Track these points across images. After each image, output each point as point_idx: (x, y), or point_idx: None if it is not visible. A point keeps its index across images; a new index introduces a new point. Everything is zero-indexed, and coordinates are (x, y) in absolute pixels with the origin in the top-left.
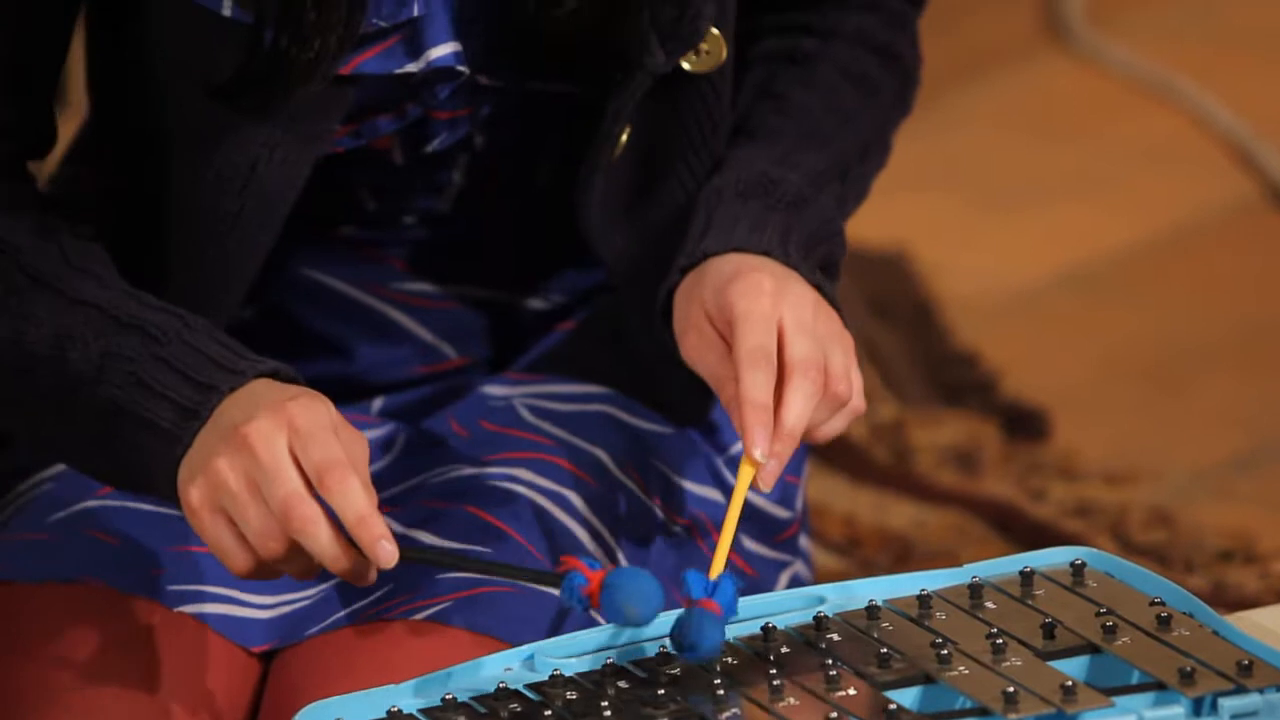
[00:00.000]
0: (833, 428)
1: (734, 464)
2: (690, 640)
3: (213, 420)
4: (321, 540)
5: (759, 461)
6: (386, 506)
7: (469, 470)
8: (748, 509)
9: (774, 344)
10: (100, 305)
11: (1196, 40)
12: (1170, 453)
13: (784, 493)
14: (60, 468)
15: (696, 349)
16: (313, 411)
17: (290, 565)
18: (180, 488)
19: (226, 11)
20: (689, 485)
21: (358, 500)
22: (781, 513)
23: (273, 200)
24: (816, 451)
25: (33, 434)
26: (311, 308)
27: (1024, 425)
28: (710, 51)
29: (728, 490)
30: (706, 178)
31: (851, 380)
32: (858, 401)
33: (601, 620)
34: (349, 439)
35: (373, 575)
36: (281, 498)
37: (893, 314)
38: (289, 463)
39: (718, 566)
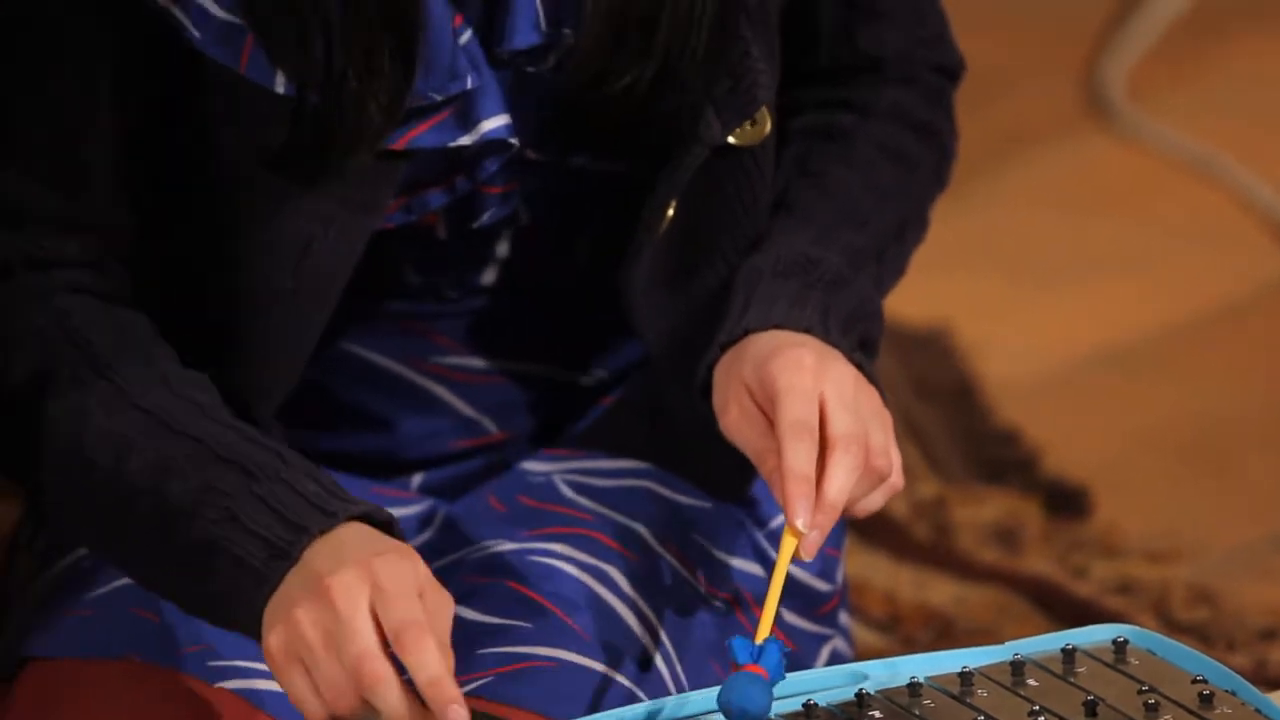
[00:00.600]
0: (872, 503)
1: (774, 538)
2: (738, 705)
3: (301, 563)
4: (391, 700)
5: (801, 532)
6: None
7: (509, 545)
8: (788, 582)
9: (816, 418)
10: (201, 438)
11: (1237, 118)
12: (1211, 530)
13: (824, 565)
14: None
15: (737, 423)
16: (398, 570)
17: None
18: (263, 631)
19: (280, 89)
20: (730, 559)
21: (432, 662)
22: (822, 585)
23: (327, 276)
24: (857, 528)
25: (124, 559)
26: (353, 381)
27: (1065, 503)
28: (756, 123)
29: (768, 564)
30: (747, 253)
31: (891, 456)
32: (897, 478)
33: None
34: (433, 599)
35: None
36: (354, 654)
37: (934, 392)
38: (367, 619)
39: (763, 631)
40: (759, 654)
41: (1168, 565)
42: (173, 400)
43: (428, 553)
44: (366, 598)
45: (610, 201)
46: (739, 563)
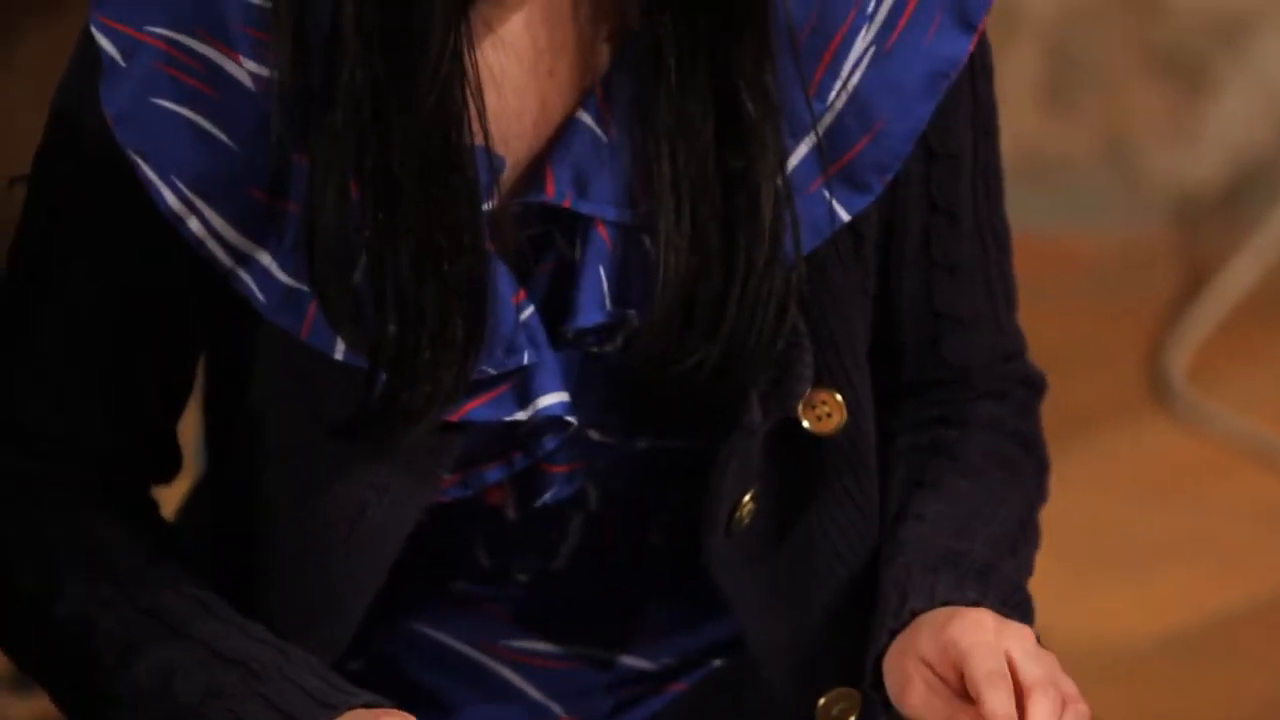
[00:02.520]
0: None
1: None
2: None
3: None
4: None
5: None
6: None
7: None
8: None
9: (1007, 670)
10: (205, 639)
11: None
12: None
13: None
14: None
15: (923, 697)
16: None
17: None
18: None
19: (338, 355)
20: None
21: None
22: None
23: (380, 545)
24: None
25: None
26: (419, 662)
27: None
28: (830, 413)
29: None
30: (852, 544)
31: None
32: None
33: None
34: None
35: None
36: None
37: None
38: None
39: None
40: None
41: None
42: (177, 600)
43: None
44: None
45: (683, 484)
46: None
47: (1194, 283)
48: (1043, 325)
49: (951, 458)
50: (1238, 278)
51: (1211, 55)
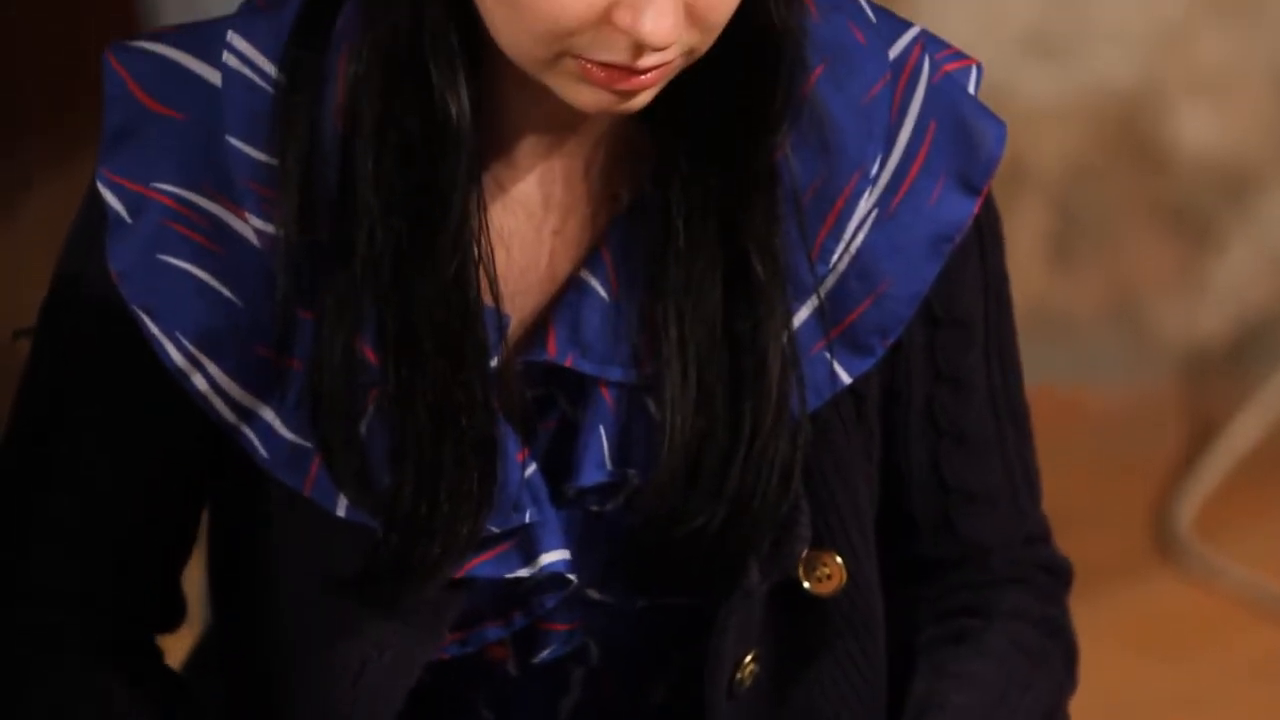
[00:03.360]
0: None
1: None
2: None
3: None
4: None
5: None
6: None
7: None
8: None
9: None
10: None
11: None
12: None
13: None
14: None
15: None
16: None
17: None
18: None
19: (341, 512)
20: None
21: None
22: None
23: (382, 700)
24: None
25: None
26: None
27: None
28: (830, 575)
29: None
30: (855, 707)
31: None
32: None
33: None
34: None
35: None
36: None
37: None
38: None
39: None
40: None
41: None
42: None
43: None
44: None
45: (684, 643)
46: None
47: (1201, 437)
48: (1049, 479)
49: (977, 648)
50: (1244, 432)
51: (1217, 211)
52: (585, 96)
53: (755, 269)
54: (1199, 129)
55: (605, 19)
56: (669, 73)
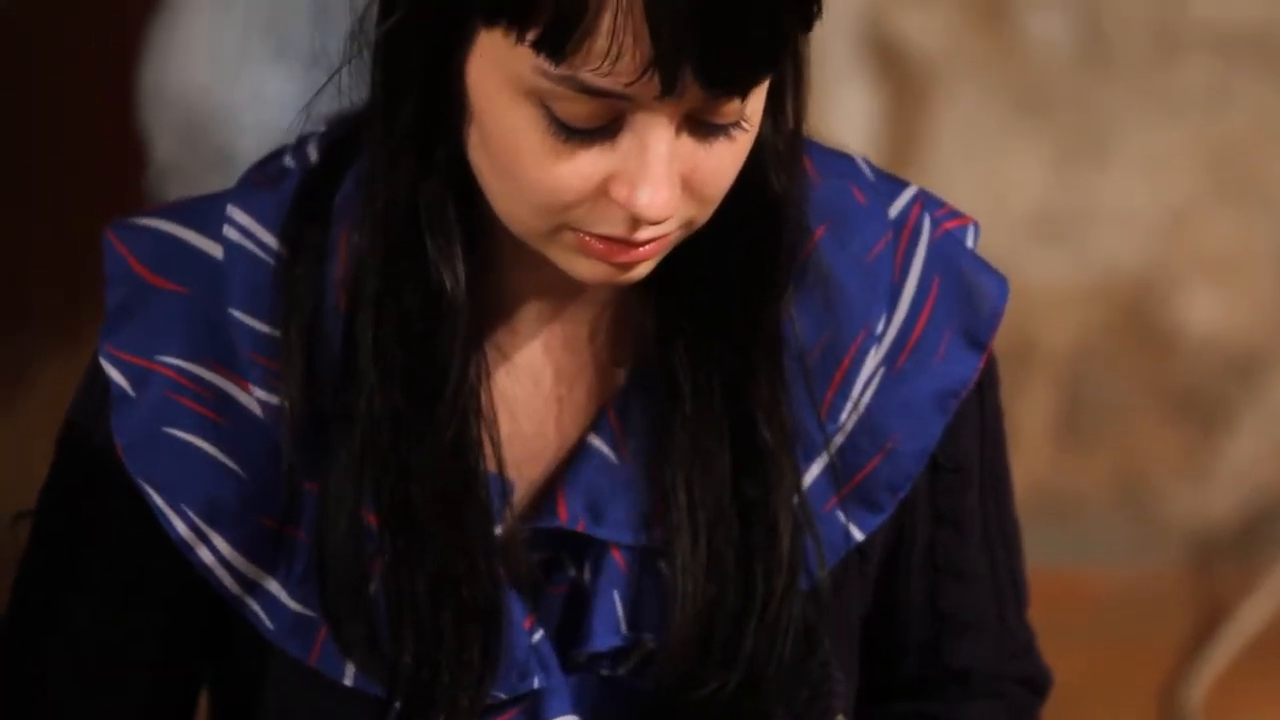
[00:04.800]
0: None
1: None
2: None
3: None
4: None
5: None
6: None
7: None
8: None
9: None
10: None
11: None
12: None
13: None
14: None
15: None
16: None
17: None
18: None
19: (348, 681)
20: None
21: None
22: None
23: None
24: None
25: None
26: None
27: None
28: None
29: None
30: None
31: None
32: None
33: None
34: None
35: None
36: None
37: None
38: None
39: None
40: None
41: None
42: None
43: None
44: None
45: None
46: None
47: (1209, 621)
48: (1058, 663)
49: None
50: (1253, 616)
51: (1225, 393)
52: (584, 268)
53: (763, 436)
54: (1206, 311)
55: (602, 192)
56: (667, 245)
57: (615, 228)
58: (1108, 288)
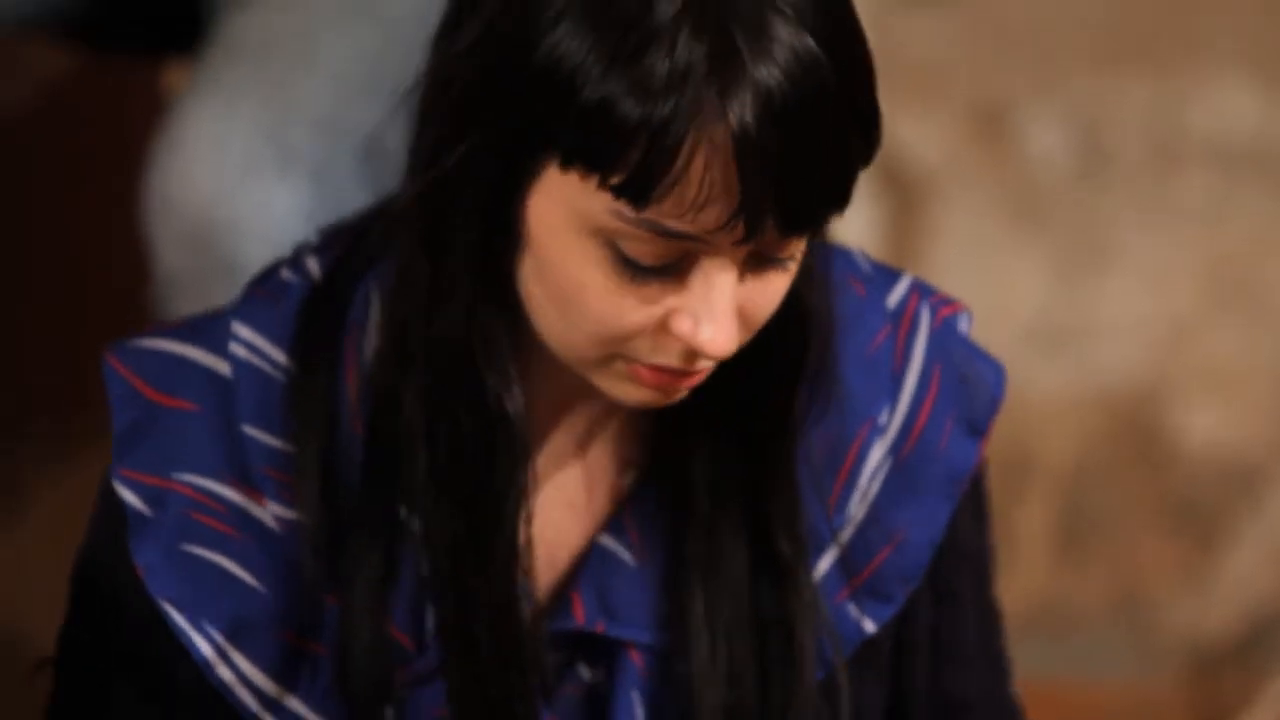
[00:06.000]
0: None
1: None
2: None
3: None
4: None
5: None
6: None
7: None
8: None
9: None
10: None
11: None
12: None
13: None
14: None
15: None
16: None
17: None
18: None
19: None
20: None
21: None
22: None
23: None
24: None
25: None
26: None
27: None
28: None
29: None
30: None
31: None
32: None
33: None
34: None
35: None
36: None
37: None
38: None
39: None
40: None
41: None
42: None
43: None
44: None
45: None
46: None
47: None
48: None
49: None
50: None
51: (1225, 506)
52: (630, 393)
53: (781, 547)
54: (1205, 423)
55: (662, 326)
56: (711, 369)
57: (672, 359)
58: (1107, 399)
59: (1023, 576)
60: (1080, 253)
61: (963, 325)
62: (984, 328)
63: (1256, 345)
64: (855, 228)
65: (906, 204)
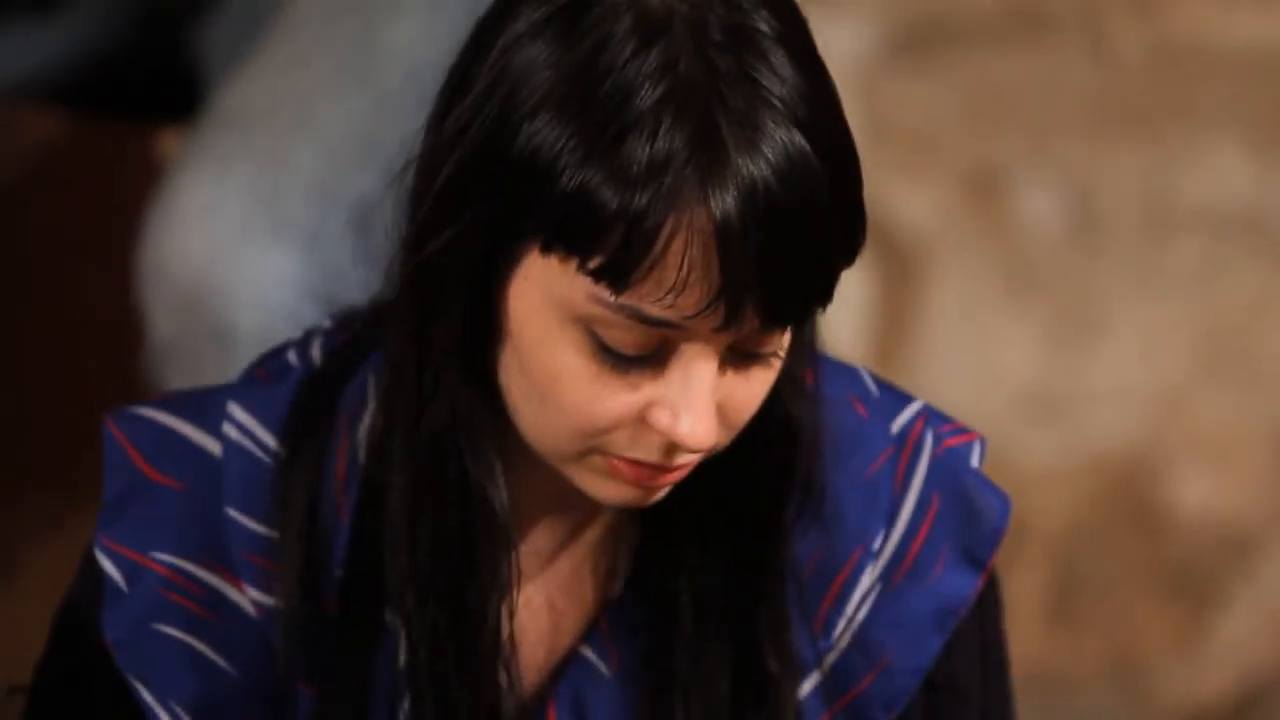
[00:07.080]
0: None
1: None
2: None
3: None
4: None
5: None
6: None
7: None
8: None
9: None
10: None
11: None
12: None
13: None
14: None
15: None
16: None
17: None
18: None
19: None
20: None
21: None
22: None
23: None
24: None
25: None
26: None
27: None
28: None
29: None
30: None
31: None
32: None
33: None
34: None
35: None
36: None
37: None
38: None
39: None
40: None
41: None
42: None
43: None
44: None
45: None
46: None
47: None
48: None
49: None
50: None
51: (1218, 573)
52: (609, 491)
53: (769, 666)
54: (1199, 490)
55: (641, 419)
56: (690, 468)
57: (650, 454)
58: (1100, 465)
59: (1016, 642)
60: (1074, 319)
61: (973, 455)
62: (977, 394)
63: (1250, 412)
64: (846, 294)
65: (899, 270)
